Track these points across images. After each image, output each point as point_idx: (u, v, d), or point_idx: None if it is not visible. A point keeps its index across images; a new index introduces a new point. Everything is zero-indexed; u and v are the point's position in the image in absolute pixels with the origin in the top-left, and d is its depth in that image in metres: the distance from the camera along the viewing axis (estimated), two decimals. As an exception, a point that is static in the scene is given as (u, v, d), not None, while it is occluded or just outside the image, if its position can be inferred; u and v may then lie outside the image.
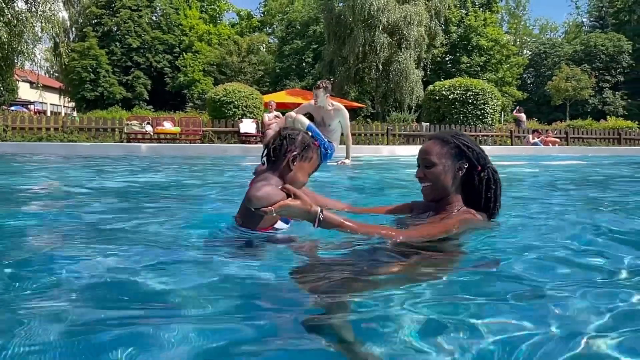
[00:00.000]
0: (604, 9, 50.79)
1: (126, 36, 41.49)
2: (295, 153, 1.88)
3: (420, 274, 1.53)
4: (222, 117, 15.57)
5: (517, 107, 21.12)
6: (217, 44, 45.21)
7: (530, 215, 2.55)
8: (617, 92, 42.75)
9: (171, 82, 43.52)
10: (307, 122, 7.23)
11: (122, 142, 13.71)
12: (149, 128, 14.22)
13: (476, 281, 1.49)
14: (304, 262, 1.66)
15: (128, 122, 14.60)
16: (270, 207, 1.59)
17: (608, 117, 25.39)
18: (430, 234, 1.76)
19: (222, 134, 15.30)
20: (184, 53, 43.56)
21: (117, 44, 41.51)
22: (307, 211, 1.63)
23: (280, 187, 1.73)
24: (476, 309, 1.23)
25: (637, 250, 1.79)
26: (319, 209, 1.63)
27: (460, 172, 1.93)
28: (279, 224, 1.92)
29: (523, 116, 19.84)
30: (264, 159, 1.95)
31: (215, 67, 42.35)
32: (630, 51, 42.93)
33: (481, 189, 1.94)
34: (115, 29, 41.92)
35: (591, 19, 53.91)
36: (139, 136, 14.17)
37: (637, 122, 22.34)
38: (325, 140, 7.15)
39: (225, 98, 15.75)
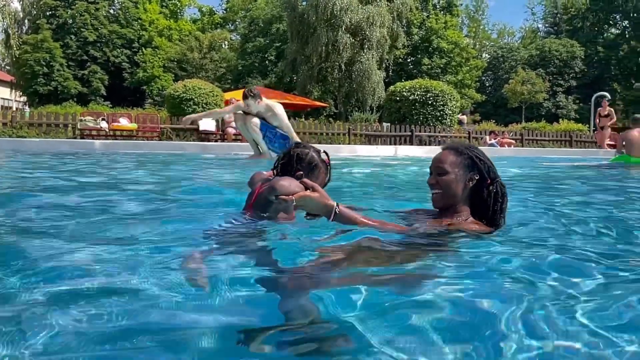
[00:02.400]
0: (558, 15, 52.68)
1: (82, 29, 40.11)
2: (301, 173, 1.94)
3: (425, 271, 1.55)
4: (181, 114, 15.21)
5: (462, 112, 21.97)
6: (178, 39, 44.34)
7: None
8: (569, 97, 44.41)
9: (130, 78, 42.41)
10: (258, 122, 7.18)
11: (75, 138, 13.22)
12: (104, 124, 13.76)
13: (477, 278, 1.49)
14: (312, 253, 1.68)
15: (82, 117, 14.08)
16: (290, 197, 1.66)
17: (561, 120, 26.31)
18: (438, 227, 1.85)
19: (180, 131, 14.98)
20: (143, 48, 42.51)
21: (73, 37, 40.09)
22: (324, 204, 1.71)
23: (299, 180, 1.80)
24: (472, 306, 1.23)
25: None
26: (335, 203, 1.72)
27: (470, 182, 1.99)
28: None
29: (464, 118, 20.73)
30: (274, 170, 2.03)
31: (175, 63, 41.55)
32: (582, 57, 44.68)
33: (489, 202, 1.98)
34: (70, 21, 40.47)
35: (546, 25, 55.83)
36: (94, 133, 13.69)
37: (587, 125, 23.25)
38: (279, 132, 7.11)
39: (184, 95, 15.44)
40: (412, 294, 1.32)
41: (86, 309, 1.16)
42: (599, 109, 15.70)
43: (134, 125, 14.31)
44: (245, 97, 6.95)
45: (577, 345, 1.03)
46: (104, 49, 41.29)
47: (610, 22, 49.07)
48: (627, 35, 47.38)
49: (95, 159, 7.36)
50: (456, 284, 1.40)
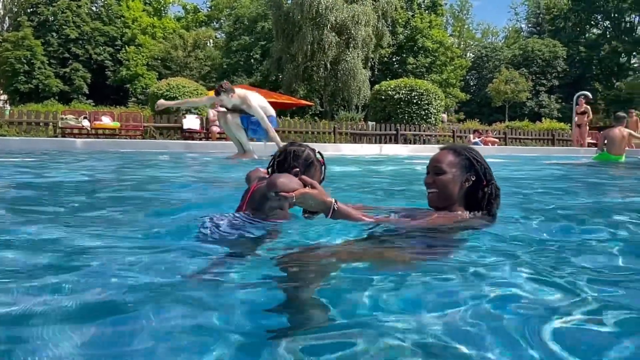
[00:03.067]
0: (541, 15, 53.30)
1: (64, 26, 39.53)
2: (297, 170, 1.94)
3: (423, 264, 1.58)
4: (165, 113, 15.11)
5: (444, 111, 22.51)
6: (162, 37, 43.96)
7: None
8: (552, 96, 44.95)
9: (112, 76, 41.91)
10: (238, 118, 7.15)
11: (56, 137, 13.01)
12: (85, 123, 13.57)
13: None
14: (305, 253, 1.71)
15: (63, 116, 13.87)
16: (291, 193, 1.65)
17: (543, 119, 26.63)
18: (436, 222, 1.90)
19: (164, 129, 14.85)
20: (126, 46, 42.01)
21: (54, 34, 39.50)
22: (323, 201, 1.72)
23: (298, 177, 1.80)
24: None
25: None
26: (334, 200, 1.73)
27: (467, 183, 2.01)
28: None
29: (445, 117, 21.52)
30: (269, 169, 2.04)
31: (159, 61, 41.17)
32: (564, 57, 45.26)
33: (483, 203, 2.02)
34: (52, 18, 39.84)
35: (529, 25, 56.46)
36: (75, 131, 13.49)
37: (569, 124, 23.56)
38: (264, 125, 7.05)
39: (168, 93, 15.30)
40: (411, 289, 1.33)
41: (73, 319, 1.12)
42: (576, 106, 15.86)
43: (116, 124, 14.14)
44: (217, 93, 6.92)
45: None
46: (86, 47, 40.71)
47: (592, 22, 49.79)
48: (608, 36, 48.12)
49: (76, 157, 7.25)
50: (456, 280, 1.41)
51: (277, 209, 1.92)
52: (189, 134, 14.38)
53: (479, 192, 2.02)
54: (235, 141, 7.40)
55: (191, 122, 14.47)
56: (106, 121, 14.02)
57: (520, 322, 1.12)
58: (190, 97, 15.52)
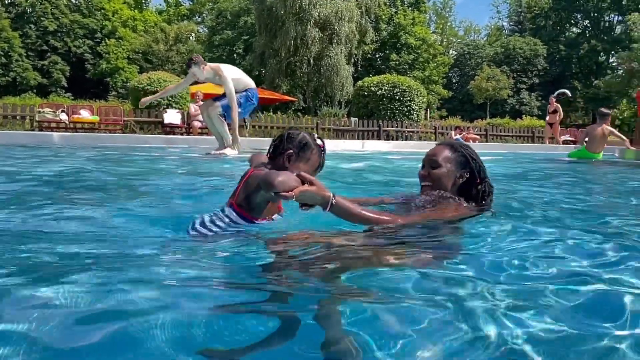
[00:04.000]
0: (522, 14, 53.89)
1: (42, 18, 38.76)
2: (291, 152, 1.93)
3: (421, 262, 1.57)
4: (146, 107, 14.92)
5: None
6: (143, 31, 43.33)
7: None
8: (532, 93, 45.55)
9: (92, 69, 41.23)
10: (219, 108, 7.10)
11: (33, 130, 12.75)
12: (63, 116, 13.31)
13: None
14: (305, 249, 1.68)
15: (40, 109, 13.58)
16: (290, 192, 1.63)
17: (524, 116, 26.99)
18: (430, 217, 1.90)
19: (145, 124, 14.67)
20: (106, 39, 41.36)
21: (32, 26, 38.71)
22: (322, 196, 1.71)
23: (295, 174, 1.76)
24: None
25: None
26: (332, 194, 1.72)
27: (461, 179, 2.06)
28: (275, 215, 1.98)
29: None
30: (268, 154, 2.03)
31: (140, 55, 40.61)
32: (545, 55, 45.86)
33: (477, 200, 2.06)
34: (30, 10, 39.04)
35: (511, 23, 57.04)
36: (53, 125, 13.24)
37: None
38: (231, 102, 6.98)
39: (149, 87, 15.11)
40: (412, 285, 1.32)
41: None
42: (548, 105, 16.14)
43: (95, 118, 13.91)
44: (188, 66, 6.84)
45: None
46: (65, 39, 39.99)
47: (572, 21, 50.51)
48: (587, 35, 48.87)
49: (53, 151, 7.11)
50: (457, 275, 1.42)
51: (270, 201, 1.89)
52: (170, 129, 14.22)
53: (472, 189, 2.07)
54: (217, 135, 7.34)
55: (172, 116, 14.32)
56: (85, 115, 13.78)
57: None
58: (171, 91, 15.37)
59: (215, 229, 1.85)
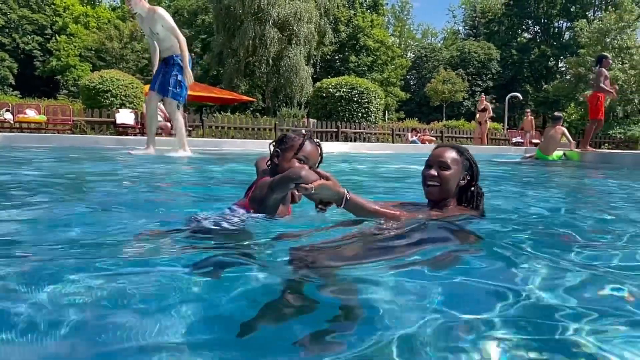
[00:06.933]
0: (477, 19, 55.36)
1: (-13, 13, 36.95)
2: (277, 150, 2.05)
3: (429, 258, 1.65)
4: (98, 106, 14.44)
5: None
6: (96, 27, 41.92)
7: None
8: (487, 96, 46.72)
9: (42, 67, 39.61)
10: (157, 101, 7.00)
11: (-26, 130, 12.10)
12: (8, 116, 12.71)
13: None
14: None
15: (-18, 108, 12.93)
16: (310, 185, 1.74)
17: (478, 118, 27.66)
18: (439, 216, 2.05)
19: (96, 124, 14.18)
20: (56, 35, 39.81)
21: (-23, 20, 36.83)
22: (337, 192, 1.83)
23: (314, 170, 1.89)
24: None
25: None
26: (346, 190, 1.84)
27: (462, 181, 2.17)
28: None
29: None
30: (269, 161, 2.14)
31: (93, 52, 39.28)
32: (498, 59, 47.24)
33: (472, 201, 2.20)
34: (-26, 4, 37.15)
35: (466, 28, 58.52)
36: (-4, 125, 12.62)
37: (502, 124, 24.65)
38: (172, 87, 6.83)
39: (101, 86, 14.65)
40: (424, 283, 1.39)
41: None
42: (477, 103, 16.64)
43: (42, 117, 13.35)
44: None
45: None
46: (12, 35, 38.28)
47: (523, 27, 52.25)
48: (537, 40, 50.67)
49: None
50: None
51: (281, 203, 2.01)
52: (123, 129, 13.80)
53: (468, 192, 2.20)
54: (151, 132, 7.22)
55: (125, 116, 13.90)
56: (31, 114, 13.20)
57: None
58: (124, 90, 14.92)
59: (225, 224, 1.91)
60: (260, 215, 1.97)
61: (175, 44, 6.82)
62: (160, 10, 6.69)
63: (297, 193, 1.89)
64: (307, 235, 1.85)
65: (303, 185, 1.74)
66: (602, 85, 9.80)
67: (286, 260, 1.55)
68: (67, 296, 1.20)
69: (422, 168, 2.19)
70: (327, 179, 1.81)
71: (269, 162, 2.09)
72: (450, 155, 2.15)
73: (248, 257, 1.58)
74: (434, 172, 2.13)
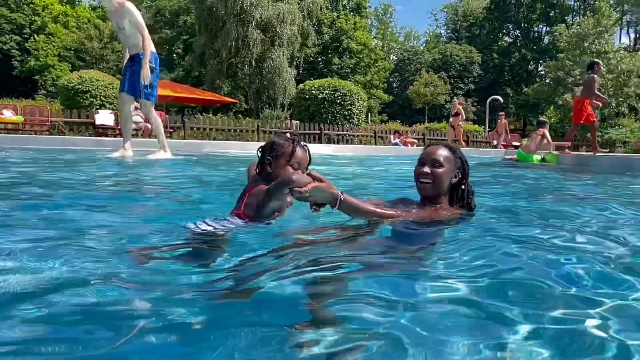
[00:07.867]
0: (458, 22, 55.95)
1: (-37, 11, 36.12)
2: (269, 157, 2.05)
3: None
4: (77, 107, 14.21)
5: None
6: (75, 27, 41.27)
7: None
8: (468, 99, 47.30)
9: (20, 67, 38.85)
10: (130, 103, 6.91)
11: (-52, 131, 11.80)
12: (-17, 116, 12.44)
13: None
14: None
15: (-43, 108, 12.63)
16: (304, 188, 1.74)
17: (460, 121, 27.91)
18: (433, 215, 2.11)
19: (75, 125, 13.95)
20: (35, 35, 39.07)
21: (-48, 19, 36.00)
22: (331, 193, 1.84)
23: (305, 173, 1.90)
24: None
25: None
26: (340, 192, 1.86)
27: (454, 179, 2.24)
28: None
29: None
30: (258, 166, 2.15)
31: (72, 52, 38.65)
32: (479, 62, 47.80)
33: (463, 198, 2.26)
34: (-51, 2, 36.30)
35: (448, 31, 59.11)
36: (-29, 125, 12.33)
37: (483, 127, 24.89)
38: (143, 88, 6.72)
39: (80, 86, 14.45)
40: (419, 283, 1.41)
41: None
42: (452, 107, 16.84)
43: (19, 118, 13.08)
44: None
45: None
46: (-11, 34, 37.48)
47: (504, 30, 52.96)
48: (518, 44, 51.39)
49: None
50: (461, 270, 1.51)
51: (277, 211, 2.01)
52: (102, 130, 13.60)
53: (459, 190, 2.27)
54: (127, 132, 7.12)
55: (104, 117, 13.70)
56: (7, 115, 12.93)
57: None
58: (104, 91, 14.71)
59: (220, 226, 1.91)
60: (259, 224, 1.97)
61: (138, 42, 6.65)
62: (129, 5, 6.47)
63: (288, 200, 1.91)
64: (311, 243, 1.84)
65: (297, 189, 1.75)
66: (596, 92, 9.92)
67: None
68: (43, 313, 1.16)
69: (409, 169, 2.26)
70: (320, 181, 1.83)
71: (257, 169, 2.11)
72: (443, 153, 2.20)
73: (252, 271, 1.53)
74: (427, 169, 2.18)
